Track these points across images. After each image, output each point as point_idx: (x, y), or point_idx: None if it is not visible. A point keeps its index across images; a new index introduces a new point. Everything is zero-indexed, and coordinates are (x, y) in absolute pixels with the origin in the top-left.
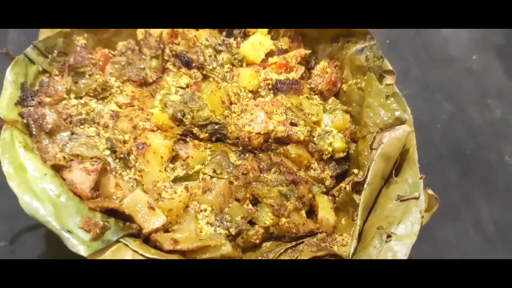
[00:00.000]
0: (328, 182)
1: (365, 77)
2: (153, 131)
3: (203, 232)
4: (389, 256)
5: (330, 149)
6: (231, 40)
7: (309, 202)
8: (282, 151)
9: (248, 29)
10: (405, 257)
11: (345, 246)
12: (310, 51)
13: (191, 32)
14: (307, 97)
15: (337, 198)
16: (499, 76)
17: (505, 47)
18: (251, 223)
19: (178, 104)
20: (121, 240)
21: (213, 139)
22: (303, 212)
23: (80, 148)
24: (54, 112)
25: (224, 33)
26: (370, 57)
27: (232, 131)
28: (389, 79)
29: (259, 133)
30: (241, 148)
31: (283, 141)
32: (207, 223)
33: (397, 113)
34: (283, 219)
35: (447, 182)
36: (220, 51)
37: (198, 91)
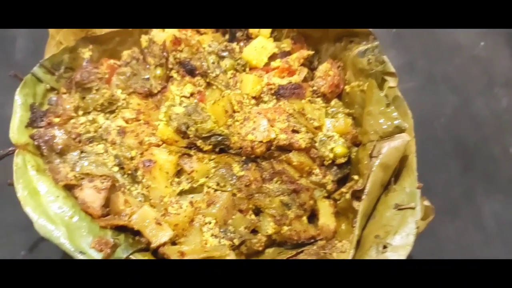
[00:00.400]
0: (329, 187)
1: (367, 81)
2: (158, 145)
3: (208, 244)
4: None
5: (331, 155)
6: (234, 44)
7: (311, 208)
8: (285, 159)
9: (251, 31)
10: None
11: (344, 253)
12: (313, 52)
13: (194, 38)
14: (309, 100)
15: (338, 202)
16: (508, 63)
17: None
18: (254, 231)
19: (182, 117)
20: (131, 257)
21: (217, 150)
22: (304, 218)
23: (90, 167)
24: (64, 132)
25: (227, 36)
26: (372, 60)
27: (235, 141)
28: (391, 82)
29: (261, 141)
30: (244, 158)
31: (285, 148)
32: (212, 235)
33: (396, 122)
34: (285, 227)
35: (449, 177)
36: (223, 57)
37: (202, 101)
